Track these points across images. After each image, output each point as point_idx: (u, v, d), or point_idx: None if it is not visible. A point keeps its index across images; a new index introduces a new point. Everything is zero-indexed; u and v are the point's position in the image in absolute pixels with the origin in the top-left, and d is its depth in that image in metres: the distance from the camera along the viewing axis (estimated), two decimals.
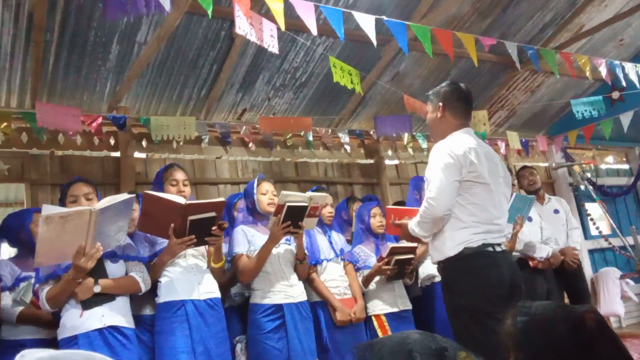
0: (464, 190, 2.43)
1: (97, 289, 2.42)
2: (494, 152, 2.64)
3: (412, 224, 2.57)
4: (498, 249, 2.45)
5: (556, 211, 4.68)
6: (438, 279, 3.45)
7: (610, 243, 6.58)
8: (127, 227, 2.56)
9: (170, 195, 2.71)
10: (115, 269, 2.57)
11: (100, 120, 3.98)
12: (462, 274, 2.40)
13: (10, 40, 3.49)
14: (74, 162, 4.11)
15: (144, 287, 2.62)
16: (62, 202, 2.65)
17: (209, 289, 2.81)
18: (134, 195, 2.58)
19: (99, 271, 2.46)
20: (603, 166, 7.47)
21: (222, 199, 2.72)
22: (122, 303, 2.54)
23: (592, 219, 6.67)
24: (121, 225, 2.50)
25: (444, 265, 2.50)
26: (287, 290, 3.03)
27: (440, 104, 2.61)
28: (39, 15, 3.31)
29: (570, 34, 5.51)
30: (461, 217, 2.43)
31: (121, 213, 2.45)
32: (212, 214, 2.66)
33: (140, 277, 2.61)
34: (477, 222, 2.42)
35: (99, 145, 4.21)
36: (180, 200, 2.63)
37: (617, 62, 4.89)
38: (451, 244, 2.43)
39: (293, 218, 2.90)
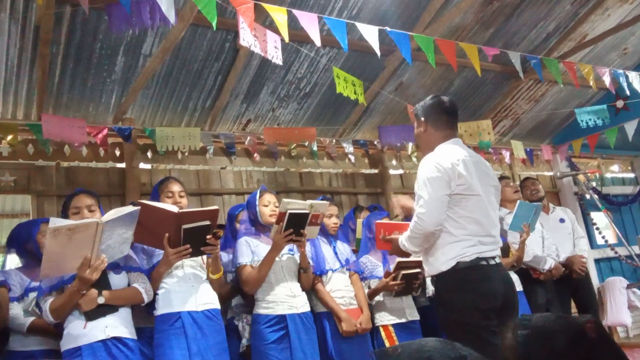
0: (454, 203, 2.40)
1: (100, 300, 2.43)
2: (484, 161, 2.62)
3: (403, 239, 2.55)
4: (492, 262, 2.40)
5: (562, 220, 4.66)
6: None
7: (616, 252, 6.54)
8: (131, 238, 2.56)
9: (163, 204, 2.70)
10: (118, 280, 2.58)
11: (105, 131, 4.01)
12: (455, 288, 2.36)
13: (16, 53, 3.53)
14: (79, 174, 4.13)
15: (147, 297, 2.62)
16: (64, 214, 2.66)
17: (207, 299, 2.79)
18: (139, 207, 2.57)
19: (102, 282, 2.47)
20: (608, 175, 7.45)
21: (215, 207, 2.69)
22: (125, 314, 2.54)
23: (597, 228, 6.63)
24: (126, 237, 2.50)
25: (437, 280, 2.48)
26: (290, 301, 3.02)
27: (422, 118, 2.62)
28: (45, 28, 3.35)
29: (574, 43, 5.52)
30: (453, 231, 2.40)
31: (126, 225, 2.46)
32: (207, 222, 2.64)
33: (143, 288, 2.62)
34: (468, 235, 2.39)
35: (105, 157, 4.24)
36: (173, 208, 2.62)
37: (621, 70, 4.88)
38: (444, 259, 2.40)
39: (295, 226, 2.90)
